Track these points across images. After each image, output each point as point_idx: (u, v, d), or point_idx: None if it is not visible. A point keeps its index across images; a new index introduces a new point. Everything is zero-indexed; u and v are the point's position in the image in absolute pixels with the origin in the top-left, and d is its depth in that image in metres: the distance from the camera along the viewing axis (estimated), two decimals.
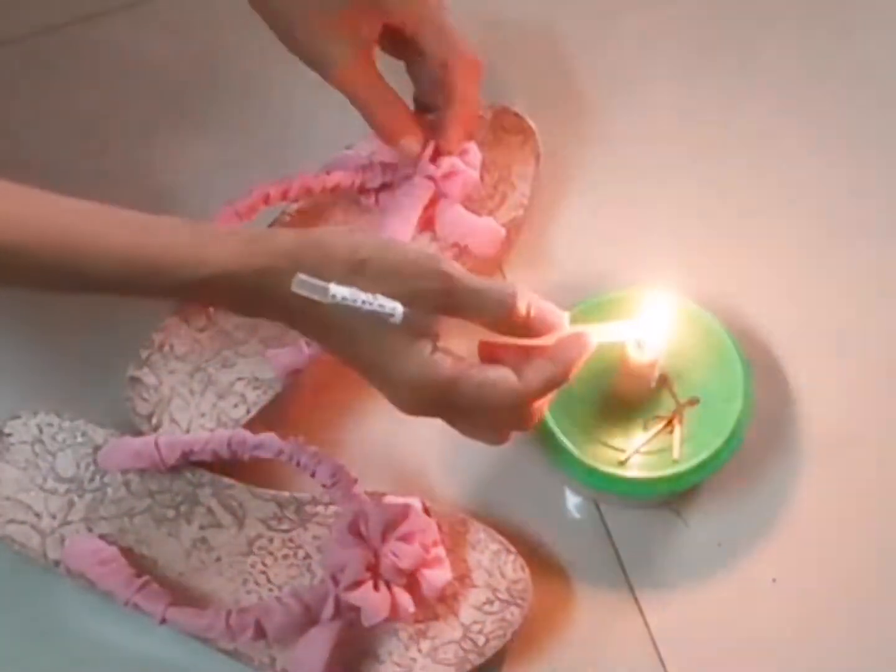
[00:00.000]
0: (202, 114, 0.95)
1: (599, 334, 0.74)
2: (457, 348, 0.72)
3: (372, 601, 0.74)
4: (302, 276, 0.67)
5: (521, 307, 0.71)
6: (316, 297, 0.67)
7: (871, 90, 0.94)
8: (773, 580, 0.82)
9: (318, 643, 0.75)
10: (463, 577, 0.79)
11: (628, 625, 0.81)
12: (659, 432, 0.80)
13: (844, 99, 0.94)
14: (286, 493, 0.81)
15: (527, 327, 0.72)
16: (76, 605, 0.81)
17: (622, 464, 0.79)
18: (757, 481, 0.84)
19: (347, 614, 0.75)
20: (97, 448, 0.81)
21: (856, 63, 0.95)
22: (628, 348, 0.79)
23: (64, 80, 0.95)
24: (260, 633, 0.75)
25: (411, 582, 0.75)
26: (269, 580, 0.79)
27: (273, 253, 0.69)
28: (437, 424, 0.85)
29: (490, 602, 0.78)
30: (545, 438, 0.80)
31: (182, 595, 0.78)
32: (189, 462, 0.80)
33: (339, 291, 0.67)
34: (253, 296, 0.70)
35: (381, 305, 0.68)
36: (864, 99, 0.94)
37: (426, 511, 0.78)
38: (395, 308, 0.69)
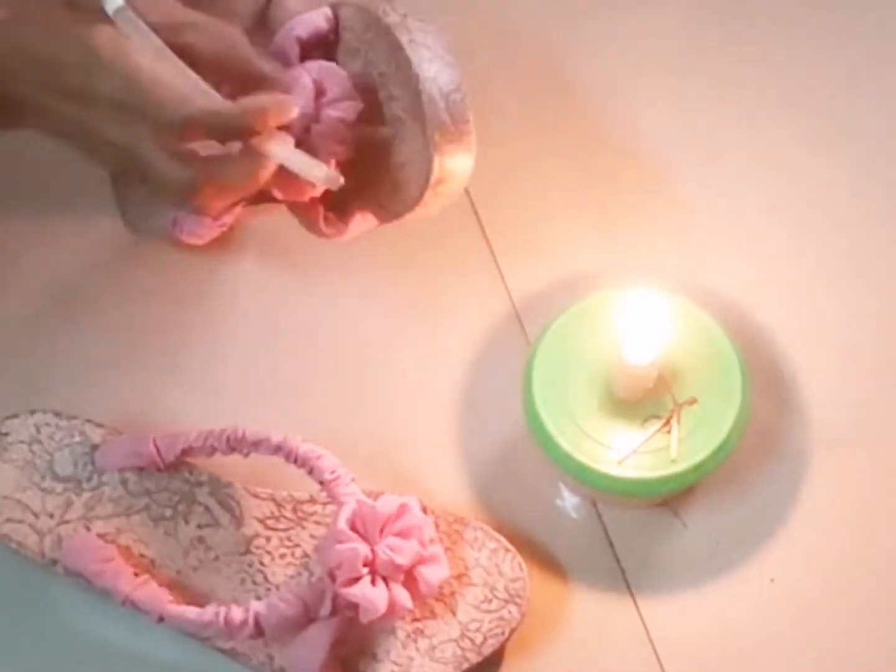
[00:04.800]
0: None
1: (290, 154, 0.72)
2: None
3: (369, 597, 0.73)
4: None
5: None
6: None
7: (872, 87, 0.94)
8: (772, 580, 0.82)
9: (316, 641, 0.75)
10: (461, 576, 0.79)
11: (626, 624, 0.81)
12: (656, 432, 0.80)
13: (845, 97, 0.94)
14: (284, 493, 0.81)
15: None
16: (74, 603, 0.81)
17: (620, 463, 0.79)
18: (755, 481, 0.84)
19: (345, 612, 0.75)
20: (94, 447, 0.81)
21: (858, 60, 0.95)
22: (626, 349, 0.79)
23: None
24: (258, 631, 0.75)
25: (409, 580, 0.75)
26: (266, 579, 0.79)
27: None
28: (435, 424, 0.86)
29: (488, 600, 0.78)
30: (543, 438, 0.80)
31: (180, 594, 0.78)
32: (186, 458, 0.80)
33: None
34: None
35: None
36: (865, 97, 0.94)
37: (424, 510, 0.78)
38: None
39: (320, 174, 0.73)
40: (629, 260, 0.88)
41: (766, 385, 0.85)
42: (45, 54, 0.70)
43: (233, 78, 0.74)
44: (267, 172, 0.72)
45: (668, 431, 0.80)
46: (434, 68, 0.75)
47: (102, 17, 0.71)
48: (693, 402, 0.81)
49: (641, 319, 0.79)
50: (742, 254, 0.90)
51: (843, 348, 0.87)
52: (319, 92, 0.76)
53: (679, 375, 0.81)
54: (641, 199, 0.91)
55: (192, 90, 0.71)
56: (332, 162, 0.76)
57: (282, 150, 0.72)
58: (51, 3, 0.71)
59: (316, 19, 0.79)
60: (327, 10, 0.79)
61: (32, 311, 0.88)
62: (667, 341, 0.80)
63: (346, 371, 0.87)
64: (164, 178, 0.71)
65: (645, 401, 0.81)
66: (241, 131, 0.71)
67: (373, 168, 0.78)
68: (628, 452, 0.80)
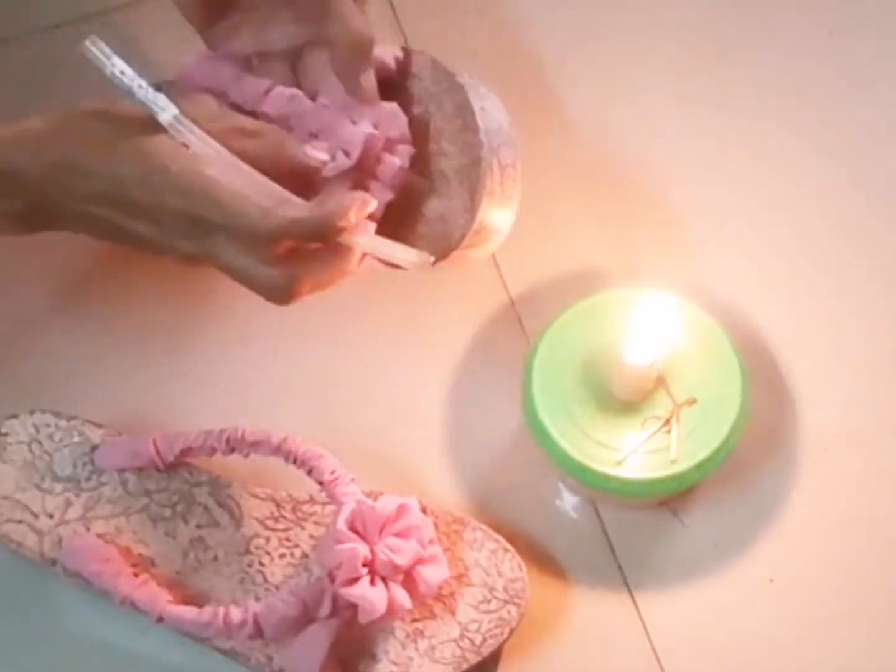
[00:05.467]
0: None
1: (378, 243, 0.72)
2: None
3: (369, 597, 0.73)
4: (95, 37, 0.69)
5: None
6: (98, 61, 0.69)
7: (872, 87, 0.94)
8: (771, 580, 0.82)
9: (316, 641, 0.75)
10: (460, 576, 0.79)
11: (625, 624, 0.81)
12: (656, 432, 0.80)
13: (845, 97, 0.94)
14: (283, 493, 0.81)
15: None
16: (73, 603, 0.81)
17: (620, 464, 0.79)
18: (754, 481, 0.84)
19: (344, 612, 0.75)
20: (94, 447, 0.81)
21: (858, 60, 0.95)
22: (626, 348, 0.79)
23: (63, 79, 0.95)
24: (257, 631, 0.75)
25: (408, 580, 0.75)
26: (265, 579, 0.79)
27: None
28: (434, 424, 0.86)
29: (487, 601, 0.78)
30: (542, 438, 0.80)
31: (179, 594, 0.78)
32: (185, 458, 0.80)
33: (121, 64, 0.69)
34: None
35: (154, 97, 0.69)
36: (865, 96, 0.94)
37: (423, 510, 0.78)
38: (168, 106, 0.69)
39: (409, 258, 0.72)
40: (629, 260, 0.88)
41: (766, 385, 0.85)
42: (99, 169, 0.70)
43: (283, 175, 0.72)
44: (357, 262, 0.73)
45: (668, 432, 0.80)
46: (497, 140, 0.75)
47: (150, 125, 0.69)
48: (693, 402, 0.81)
49: (641, 320, 0.79)
50: (742, 254, 0.90)
51: (842, 349, 0.87)
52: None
53: (679, 376, 0.81)
54: (641, 199, 0.91)
55: (268, 197, 0.70)
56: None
57: (369, 241, 0.72)
58: (81, 116, 0.71)
59: (386, 57, 0.78)
60: (397, 51, 0.79)
61: (32, 311, 0.88)
62: (667, 342, 0.80)
63: (345, 371, 0.87)
64: (259, 284, 0.71)
65: (645, 401, 0.81)
66: (329, 234, 0.71)
67: (398, 213, 0.77)
68: (628, 453, 0.80)
